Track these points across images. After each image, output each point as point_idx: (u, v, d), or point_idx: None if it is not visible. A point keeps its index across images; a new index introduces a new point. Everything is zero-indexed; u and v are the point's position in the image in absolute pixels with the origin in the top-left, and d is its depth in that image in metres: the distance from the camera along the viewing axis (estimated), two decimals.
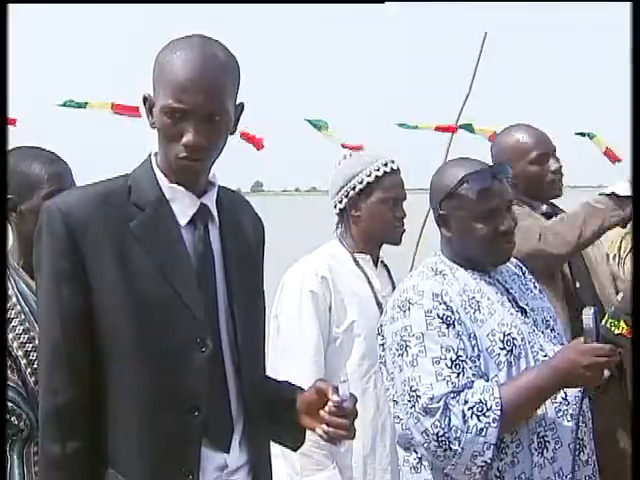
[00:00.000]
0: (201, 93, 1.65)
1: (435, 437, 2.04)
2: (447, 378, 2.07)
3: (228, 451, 1.75)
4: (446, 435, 2.04)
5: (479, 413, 2.04)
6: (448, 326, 2.12)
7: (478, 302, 2.20)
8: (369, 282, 2.76)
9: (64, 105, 4.91)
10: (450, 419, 2.04)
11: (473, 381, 2.09)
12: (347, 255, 2.79)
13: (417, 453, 2.20)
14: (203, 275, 1.73)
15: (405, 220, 2.82)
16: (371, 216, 2.78)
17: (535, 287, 2.42)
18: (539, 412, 2.13)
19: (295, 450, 1.98)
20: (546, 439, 2.13)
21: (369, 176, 2.75)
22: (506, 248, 2.25)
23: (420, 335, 2.12)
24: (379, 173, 2.76)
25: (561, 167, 3.00)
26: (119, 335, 1.66)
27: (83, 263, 1.65)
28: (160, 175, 1.74)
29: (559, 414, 2.16)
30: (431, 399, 2.06)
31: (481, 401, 2.05)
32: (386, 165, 2.78)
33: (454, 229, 2.26)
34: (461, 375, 2.08)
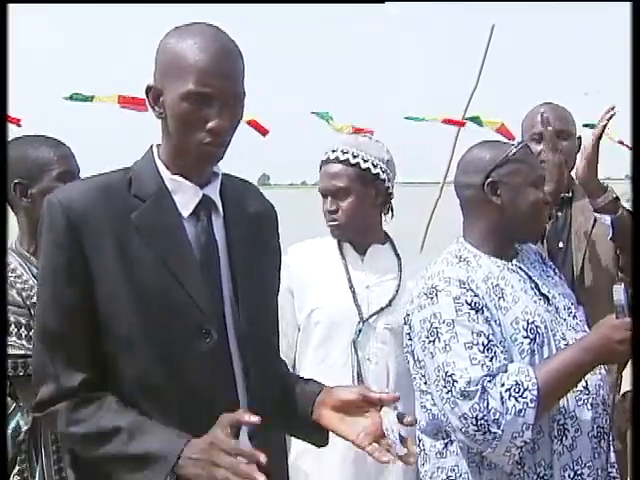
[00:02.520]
0: (224, 77, 1.65)
1: (474, 421, 2.04)
2: (481, 362, 2.08)
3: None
4: (485, 418, 2.04)
5: (516, 394, 2.04)
6: (477, 312, 2.13)
7: (502, 290, 2.21)
8: (346, 269, 2.65)
9: (70, 98, 4.91)
10: (488, 402, 2.04)
11: (507, 365, 2.10)
12: (332, 243, 2.70)
13: (444, 440, 2.21)
14: (206, 266, 1.71)
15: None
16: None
17: (555, 273, 2.43)
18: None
19: (319, 446, 1.90)
20: (565, 427, 2.15)
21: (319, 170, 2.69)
22: (546, 219, 2.32)
23: (450, 322, 2.12)
24: (320, 164, 2.67)
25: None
26: (122, 327, 1.64)
27: (84, 256, 1.63)
28: (162, 167, 1.73)
29: (579, 403, 2.16)
30: (468, 383, 2.06)
31: (517, 383, 2.05)
32: (325, 154, 2.67)
33: (505, 196, 2.25)
34: (494, 359, 2.09)
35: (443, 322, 2.13)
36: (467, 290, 2.15)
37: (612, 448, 2.23)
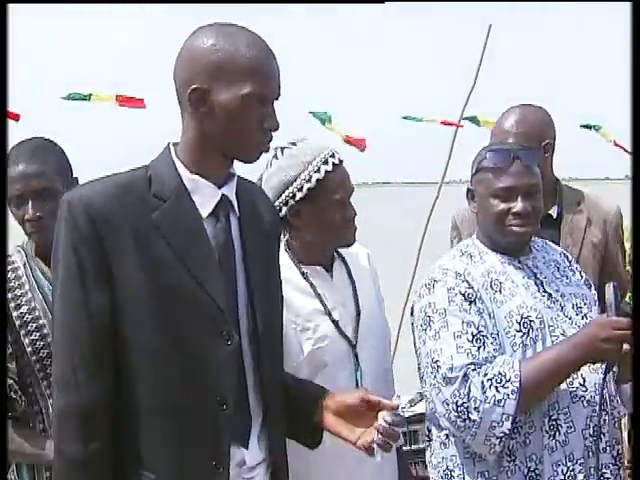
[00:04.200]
0: (276, 78, 1.71)
1: (455, 406, 2.10)
2: (467, 351, 2.13)
3: (247, 446, 1.73)
4: (465, 405, 2.09)
5: (498, 385, 2.09)
6: (470, 303, 2.18)
7: (501, 283, 2.25)
8: (320, 299, 2.37)
9: (68, 98, 4.90)
10: (470, 389, 2.09)
11: (495, 356, 2.14)
12: (294, 270, 2.39)
13: (446, 430, 2.23)
14: (225, 266, 1.72)
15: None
16: (316, 224, 2.36)
17: (581, 276, 2.42)
18: (553, 395, 2.15)
19: (312, 448, 1.93)
20: (558, 422, 2.15)
21: (309, 181, 2.31)
22: (517, 231, 2.26)
23: (443, 311, 2.19)
24: (320, 175, 2.31)
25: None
26: (143, 328, 1.62)
27: (106, 255, 1.61)
28: (180, 166, 1.71)
29: (574, 399, 2.16)
30: (450, 369, 2.12)
31: (500, 373, 2.09)
32: (326, 163, 2.33)
33: (478, 205, 2.34)
34: (481, 349, 2.13)
35: (436, 311, 2.20)
36: (462, 282, 2.21)
37: (610, 449, 2.21)
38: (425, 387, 2.26)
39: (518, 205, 2.24)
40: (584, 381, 2.18)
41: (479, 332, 2.15)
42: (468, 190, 2.37)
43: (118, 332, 1.63)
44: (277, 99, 1.73)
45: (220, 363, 1.66)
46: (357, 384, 2.34)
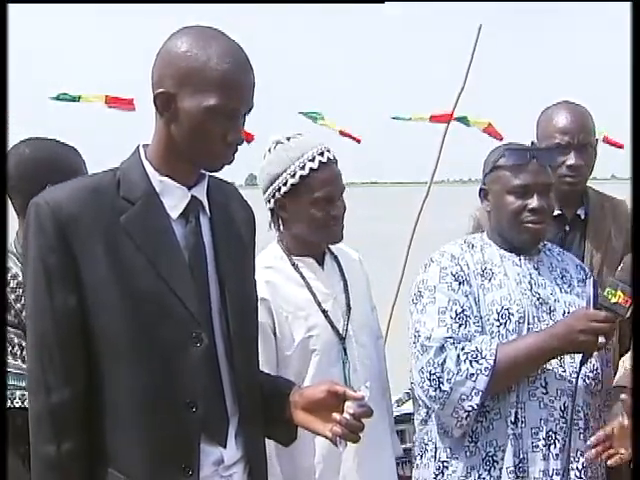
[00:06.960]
0: (246, 92, 1.68)
1: (428, 375, 2.17)
2: (448, 325, 2.20)
3: (225, 445, 1.74)
4: (437, 374, 2.16)
5: (472, 359, 2.15)
6: (459, 284, 2.26)
7: (493, 274, 2.31)
8: (310, 290, 2.42)
9: (57, 98, 4.89)
10: (445, 360, 2.16)
11: (475, 336, 2.20)
12: (285, 260, 2.45)
13: (427, 408, 2.27)
14: (196, 268, 1.71)
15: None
16: (300, 219, 2.40)
17: (585, 286, 2.33)
18: (518, 389, 2.19)
19: (287, 445, 1.96)
20: (517, 415, 2.20)
21: (293, 176, 2.36)
22: (533, 227, 2.30)
23: (433, 287, 2.28)
24: (304, 172, 2.35)
25: (580, 166, 2.73)
26: (113, 332, 1.63)
27: (74, 259, 1.61)
28: (150, 168, 1.71)
29: (532, 398, 2.21)
30: (428, 338, 2.19)
31: (477, 349, 2.16)
32: (313, 160, 2.36)
33: (492, 203, 2.37)
34: (462, 327, 2.20)
35: (427, 287, 2.28)
36: (456, 264, 2.29)
37: (562, 455, 2.20)
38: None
39: (534, 202, 2.28)
40: (546, 384, 2.22)
41: (463, 311, 2.22)
42: (481, 189, 2.41)
43: (89, 335, 1.63)
44: (249, 112, 1.72)
45: (189, 366, 1.66)
46: (345, 380, 2.37)
